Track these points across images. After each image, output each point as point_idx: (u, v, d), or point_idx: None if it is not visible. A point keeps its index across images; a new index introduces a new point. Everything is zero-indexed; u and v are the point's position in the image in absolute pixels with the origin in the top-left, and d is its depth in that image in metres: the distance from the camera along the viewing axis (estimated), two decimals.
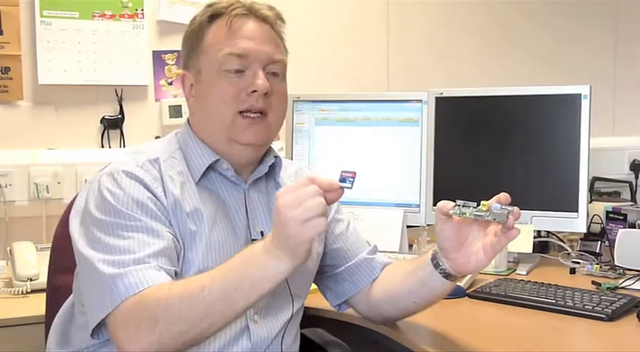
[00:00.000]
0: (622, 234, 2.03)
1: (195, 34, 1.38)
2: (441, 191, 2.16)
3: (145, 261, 1.19)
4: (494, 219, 1.24)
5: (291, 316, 1.42)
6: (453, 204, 1.27)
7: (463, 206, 1.26)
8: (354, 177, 1.15)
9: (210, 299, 1.12)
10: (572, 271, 2.02)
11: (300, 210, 1.09)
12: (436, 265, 1.34)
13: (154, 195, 1.28)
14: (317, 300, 1.62)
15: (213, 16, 1.37)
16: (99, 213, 1.25)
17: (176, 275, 1.25)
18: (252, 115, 1.34)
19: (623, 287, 1.80)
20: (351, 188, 1.15)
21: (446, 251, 1.31)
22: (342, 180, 1.15)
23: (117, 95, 2.36)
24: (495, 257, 1.30)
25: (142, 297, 1.15)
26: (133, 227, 1.23)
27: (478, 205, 1.25)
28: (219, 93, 1.34)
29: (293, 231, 1.08)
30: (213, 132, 1.37)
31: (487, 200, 1.25)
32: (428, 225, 2.20)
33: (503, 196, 1.24)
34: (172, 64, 2.41)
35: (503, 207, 1.23)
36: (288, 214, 1.09)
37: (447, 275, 1.33)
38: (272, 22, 1.39)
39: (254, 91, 1.33)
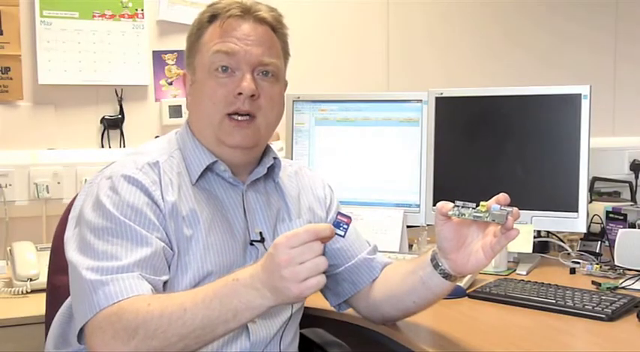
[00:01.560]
0: (622, 234, 2.03)
1: (194, 34, 1.39)
2: (441, 191, 2.16)
3: (128, 270, 1.19)
4: (494, 220, 1.24)
5: (290, 316, 1.42)
6: (452, 205, 1.27)
7: (462, 207, 1.26)
8: (348, 224, 1.17)
9: (191, 323, 1.12)
10: (572, 271, 2.02)
11: (302, 268, 1.08)
12: (435, 265, 1.34)
13: (152, 199, 1.28)
14: (317, 300, 1.61)
15: (212, 16, 1.37)
16: (93, 217, 1.26)
17: (165, 284, 1.26)
18: (239, 118, 1.34)
19: (623, 287, 1.80)
20: (343, 236, 1.18)
21: (445, 251, 1.31)
22: (337, 224, 1.15)
23: (117, 95, 2.36)
24: (495, 257, 1.31)
25: (121, 308, 1.15)
26: (123, 233, 1.23)
27: (477, 206, 1.25)
28: (208, 93, 1.34)
29: (291, 286, 1.08)
30: (204, 131, 1.37)
31: (487, 200, 1.25)
32: (428, 225, 2.20)
33: (502, 197, 1.24)
34: (172, 64, 2.41)
35: (502, 207, 1.23)
36: (289, 270, 1.08)
37: (446, 276, 1.33)
38: (271, 24, 1.38)
39: (240, 93, 1.33)
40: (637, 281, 1.84)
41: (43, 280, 1.74)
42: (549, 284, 1.80)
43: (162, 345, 1.12)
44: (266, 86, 1.36)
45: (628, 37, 3.04)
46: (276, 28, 1.39)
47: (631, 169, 2.82)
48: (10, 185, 2.18)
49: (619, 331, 1.51)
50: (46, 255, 1.65)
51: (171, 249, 1.28)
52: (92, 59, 2.32)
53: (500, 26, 2.89)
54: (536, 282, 1.82)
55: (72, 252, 1.25)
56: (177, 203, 1.30)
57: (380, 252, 1.57)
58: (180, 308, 1.13)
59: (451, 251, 1.30)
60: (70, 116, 2.32)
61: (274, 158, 1.45)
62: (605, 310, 1.57)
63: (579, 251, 2.19)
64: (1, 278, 2.03)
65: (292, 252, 1.08)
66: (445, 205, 1.27)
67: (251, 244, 1.37)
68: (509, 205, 1.24)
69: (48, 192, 2.20)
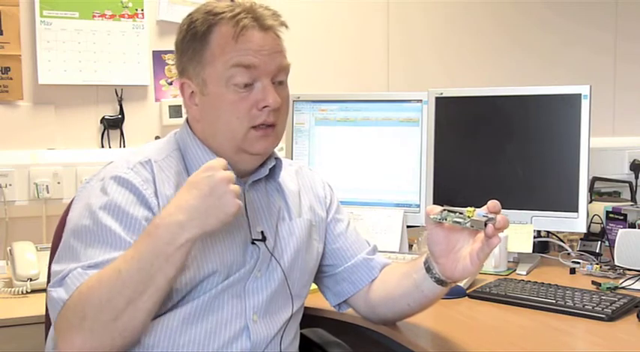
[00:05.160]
0: (622, 234, 2.03)
1: (196, 41, 1.34)
2: (441, 191, 2.16)
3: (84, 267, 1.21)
4: (472, 227, 1.23)
5: (291, 316, 1.42)
6: (440, 208, 1.26)
7: (448, 211, 1.25)
8: None
9: (130, 281, 1.14)
10: (572, 271, 2.02)
11: (232, 187, 1.18)
12: (427, 269, 1.34)
13: (140, 198, 1.28)
14: (317, 300, 1.62)
15: (215, 24, 1.32)
16: (79, 219, 1.27)
17: None
18: (263, 127, 1.33)
19: (623, 287, 1.80)
20: None
21: (435, 255, 1.31)
22: None
23: (117, 95, 2.36)
24: (484, 263, 1.29)
25: (71, 299, 1.17)
26: (102, 237, 1.24)
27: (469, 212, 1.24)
28: (230, 108, 1.32)
29: (230, 201, 1.17)
30: (222, 143, 1.35)
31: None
32: None
33: (492, 204, 1.23)
34: (172, 64, 2.41)
35: (485, 214, 1.22)
36: (231, 186, 1.17)
37: (438, 280, 1.34)
38: (275, 29, 1.36)
39: (265, 106, 1.32)
40: (637, 281, 1.84)
41: (43, 280, 1.74)
42: (549, 284, 1.80)
43: (113, 316, 1.14)
44: (281, 91, 1.36)
45: (628, 37, 3.05)
46: (278, 32, 1.39)
47: (631, 169, 2.82)
48: (10, 185, 2.18)
49: (619, 331, 1.51)
50: (46, 255, 1.65)
51: None
52: (92, 59, 2.32)
53: (501, 26, 2.89)
54: (536, 282, 1.82)
55: (53, 264, 1.28)
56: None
57: (380, 252, 1.57)
58: (115, 270, 1.15)
59: (440, 255, 1.30)
60: (70, 116, 2.32)
61: (276, 158, 1.45)
62: (605, 310, 1.57)
63: (579, 251, 2.19)
64: (1, 278, 2.03)
65: (222, 172, 1.17)
66: (433, 209, 1.28)
67: (252, 243, 1.37)
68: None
69: (48, 192, 2.20)
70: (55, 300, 1.19)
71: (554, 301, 1.65)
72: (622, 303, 1.62)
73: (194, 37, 1.34)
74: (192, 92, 1.36)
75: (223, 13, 1.33)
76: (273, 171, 1.45)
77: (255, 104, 1.32)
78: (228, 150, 1.35)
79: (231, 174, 1.18)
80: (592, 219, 2.25)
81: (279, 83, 1.36)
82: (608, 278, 1.91)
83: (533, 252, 2.10)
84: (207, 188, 1.16)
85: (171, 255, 1.15)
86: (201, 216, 1.15)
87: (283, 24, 1.38)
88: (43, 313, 1.57)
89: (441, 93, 2.21)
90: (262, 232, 1.38)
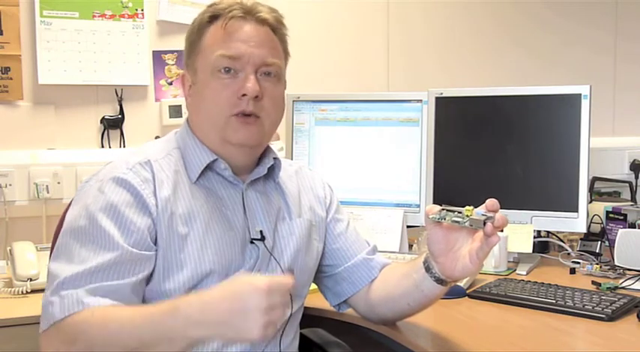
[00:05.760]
0: (622, 234, 2.03)
1: (194, 34, 1.38)
2: (441, 191, 2.16)
3: (91, 277, 1.19)
4: (471, 226, 1.23)
5: (290, 315, 1.42)
6: (439, 208, 1.27)
7: (447, 211, 1.25)
8: None
9: (125, 343, 1.11)
10: (572, 271, 2.02)
11: (268, 318, 1.05)
12: (427, 268, 1.34)
13: (138, 198, 1.28)
14: (317, 300, 1.62)
15: (213, 17, 1.36)
16: (75, 219, 1.27)
17: (151, 279, 1.27)
18: (242, 115, 1.34)
19: (623, 287, 1.80)
20: None
21: (434, 255, 1.31)
22: None
23: (117, 95, 2.36)
24: (483, 262, 1.29)
25: (63, 323, 1.16)
26: (96, 236, 1.23)
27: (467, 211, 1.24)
28: (212, 95, 1.34)
29: (254, 329, 1.05)
30: (207, 132, 1.37)
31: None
32: None
33: (490, 202, 1.23)
34: (172, 64, 2.41)
35: (484, 213, 1.22)
36: (263, 318, 1.05)
37: (438, 280, 1.34)
38: (272, 25, 1.38)
39: (244, 95, 1.32)
40: (637, 281, 1.84)
41: (43, 280, 1.74)
42: (549, 284, 1.80)
43: None
44: (269, 86, 1.36)
45: (628, 37, 3.05)
46: (276, 28, 1.39)
47: (631, 169, 2.82)
48: (10, 185, 2.18)
49: (619, 331, 1.51)
50: (46, 255, 1.65)
51: (155, 245, 1.28)
52: (92, 59, 2.32)
53: (501, 26, 2.89)
54: (536, 282, 1.82)
55: (50, 263, 1.27)
56: (173, 200, 1.30)
57: (380, 252, 1.57)
58: (119, 324, 1.13)
59: (439, 254, 1.30)
60: (70, 116, 2.32)
61: (274, 158, 1.45)
62: (605, 310, 1.57)
63: (579, 251, 2.19)
64: (1, 278, 2.03)
65: (264, 301, 1.04)
66: (432, 208, 1.28)
67: (251, 243, 1.37)
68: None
69: (48, 192, 2.20)
70: (48, 313, 1.19)
71: (554, 301, 1.65)
72: (622, 303, 1.62)
73: (193, 30, 1.39)
74: (190, 85, 1.39)
75: (220, 6, 1.36)
76: (272, 171, 1.45)
77: (235, 92, 1.33)
78: (214, 142, 1.36)
79: (281, 300, 1.06)
80: (592, 219, 2.25)
81: (267, 76, 1.36)
82: (608, 278, 1.91)
83: (533, 252, 2.10)
84: (242, 311, 1.05)
85: (174, 341, 1.10)
86: (221, 327, 1.07)
87: (278, 20, 1.39)
88: None
89: (441, 93, 2.21)
90: (261, 232, 1.38)
